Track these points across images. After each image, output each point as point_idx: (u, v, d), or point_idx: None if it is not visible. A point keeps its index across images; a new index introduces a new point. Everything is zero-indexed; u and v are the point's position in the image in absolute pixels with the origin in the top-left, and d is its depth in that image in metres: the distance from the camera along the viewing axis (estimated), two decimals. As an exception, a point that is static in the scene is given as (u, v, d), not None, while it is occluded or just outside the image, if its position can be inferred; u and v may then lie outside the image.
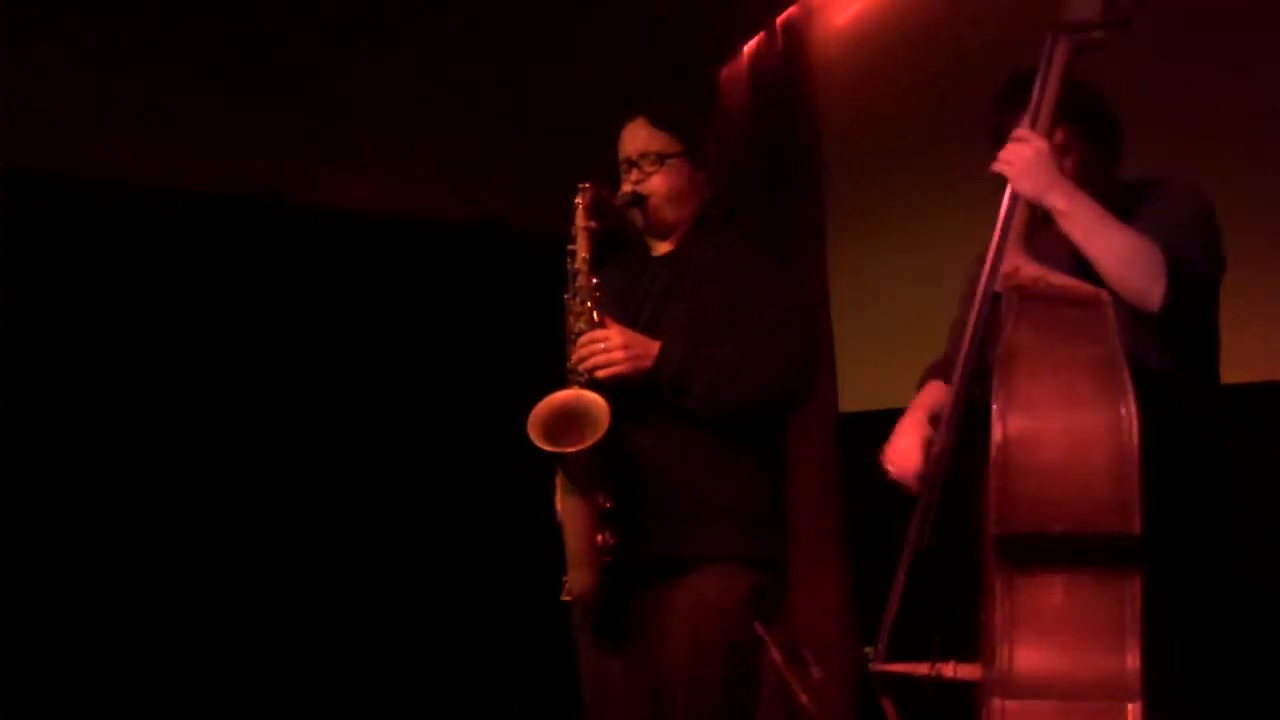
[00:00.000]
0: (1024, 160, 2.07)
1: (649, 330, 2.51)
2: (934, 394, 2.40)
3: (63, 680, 3.30)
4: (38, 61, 3.30)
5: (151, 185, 3.59)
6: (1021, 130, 2.09)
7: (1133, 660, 1.79)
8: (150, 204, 3.59)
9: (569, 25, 3.89)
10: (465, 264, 4.08)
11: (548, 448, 2.36)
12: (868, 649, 2.23)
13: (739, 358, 2.45)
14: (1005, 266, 2.08)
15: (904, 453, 2.26)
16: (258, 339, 3.74)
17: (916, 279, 3.52)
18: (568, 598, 2.49)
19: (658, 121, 2.61)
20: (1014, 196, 2.11)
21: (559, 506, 2.52)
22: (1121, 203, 2.14)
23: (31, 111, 3.22)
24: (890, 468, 2.28)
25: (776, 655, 2.22)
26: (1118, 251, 2.03)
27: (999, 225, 2.12)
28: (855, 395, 4.19)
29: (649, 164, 2.59)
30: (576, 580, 2.47)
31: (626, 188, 2.59)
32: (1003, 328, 1.96)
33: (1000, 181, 2.21)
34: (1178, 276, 2.02)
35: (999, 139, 2.23)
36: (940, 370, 2.47)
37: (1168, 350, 2.15)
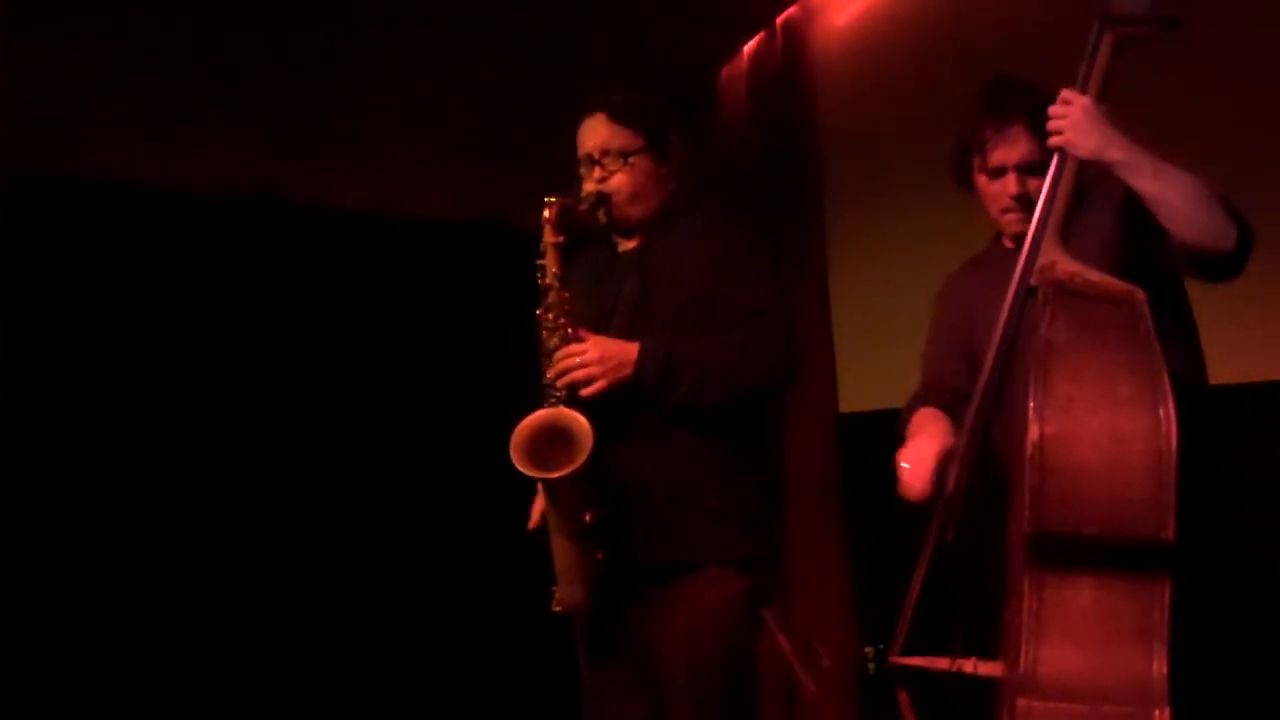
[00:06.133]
0: (1076, 119, 2.04)
1: (622, 331, 2.48)
2: (936, 414, 2.38)
3: (61, 680, 3.29)
4: (38, 61, 3.29)
5: (150, 185, 3.58)
6: (1066, 94, 2.06)
7: (1160, 666, 1.79)
8: (149, 204, 3.59)
9: (569, 24, 3.89)
10: (464, 264, 4.07)
11: (532, 472, 2.33)
12: (868, 649, 2.23)
13: (720, 351, 2.42)
14: (1041, 260, 2.06)
15: (918, 460, 2.21)
16: (255, 339, 3.73)
17: (916, 279, 3.51)
18: (558, 609, 2.48)
19: (618, 116, 2.54)
20: (1054, 179, 2.08)
21: (534, 512, 2.52)
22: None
23: (32, 111, 3.22)
24: (904, 471, 2.23)
25: (784, 643, 2.22)
26: (1188, 191, 2.01)
27: (1036, 216, 2.10)
28: (855, 395, 4.18)
29: (611, 161, 2.53)
30: (566, 593, 2.45)
31: (589, 186, 2.53)
32: (1037, 323, 1.95)
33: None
34: (1236, 210, 2.02)
35: (977, 142, 2.24)
36: (925, 399, 2.46)
37: (1184, 348, 2.15)
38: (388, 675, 3.87)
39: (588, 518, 2.39)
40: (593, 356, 2.39)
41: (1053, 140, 2.07)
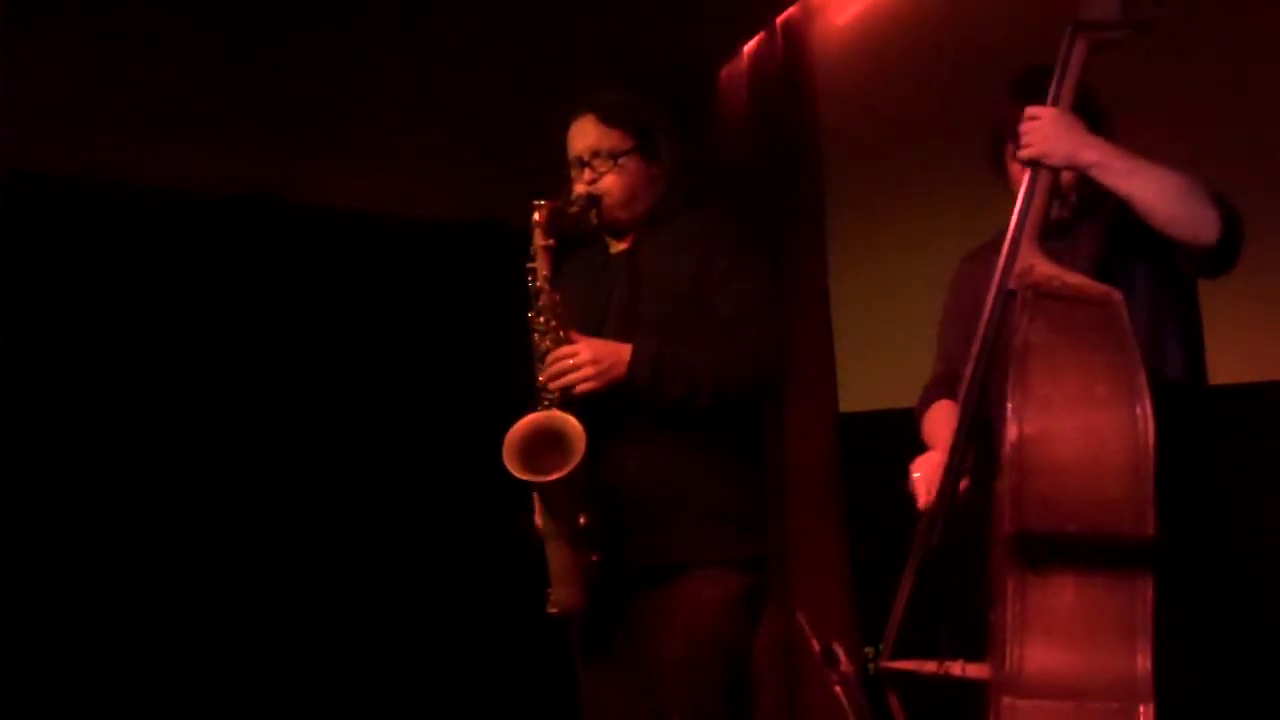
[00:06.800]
0: (1044, 129, 2.05)
1: (615, 333, 2.47)
2: (951, 414, 2.37)
3: (60, 679, 3.29)
4: (38, 61, 3.29)
5: (150, 185, 3.58)
6: (1031, 109, 2.07)
7: (1144, 662, 1.79)
8: (149, 204, 3.59)
9: (568, 24, 3.89)
10: (463, 264, 4.07)
11: (524, 476, 2.33)
12: (868, 649, 2.23)
13: (712, 352, 2.42)
14: (1019, 264, 2.06)
15: (929, 469, 2.21)
16: (254, 338, 3.73)
17: (916, 279, 3.52)
18: (553, 610, 2.48)
19: (608, 118, 2.54)
20: (1030, 188, 2.08)
21: (539, 522, 2.51)
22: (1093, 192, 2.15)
23: (31, 111, 3.22)
24: (915, 481, 2.23)
25: (815, 645, 2.22)
26: (1166, 186, 2.01)
27: (1014, 221, 2.10)
28: (855, 395, 4.19)
29: (601, 163, 2.53)
30: (561, 595, 2.45)
31: (579, 188, 2.53)
32: (1016, 326, 1.95)
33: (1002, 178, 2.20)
34: (1223, 203, 2.02)
35: (1010, 129, 2.23)
36: (941, 389, 2.45)
37: (1185, 349, 2.14)
38: (385, 676, 3.87)
39: (582, 521, 2.39)
40: (585, 358, 2.38)
41: (1022, 153, 2.08)
